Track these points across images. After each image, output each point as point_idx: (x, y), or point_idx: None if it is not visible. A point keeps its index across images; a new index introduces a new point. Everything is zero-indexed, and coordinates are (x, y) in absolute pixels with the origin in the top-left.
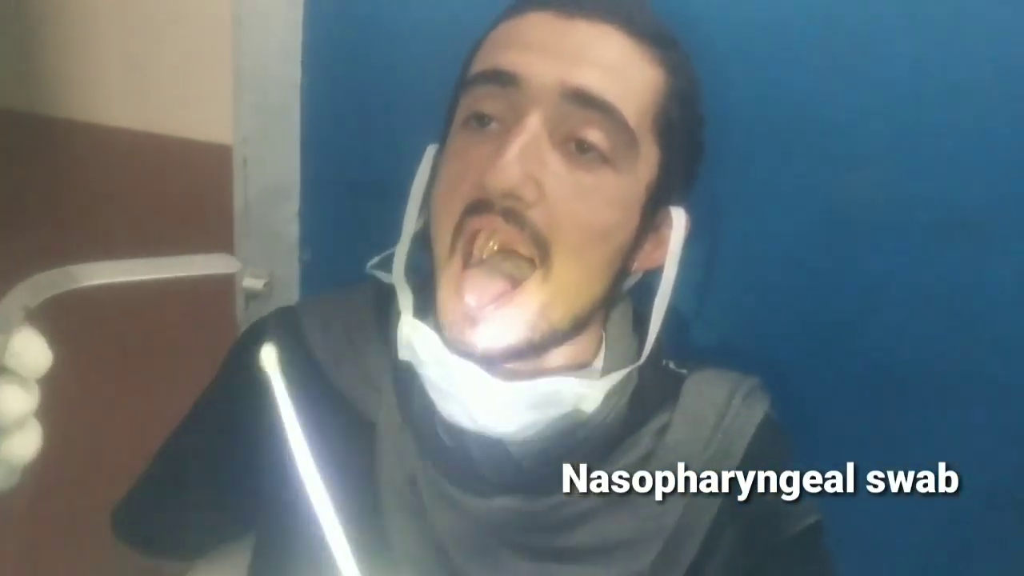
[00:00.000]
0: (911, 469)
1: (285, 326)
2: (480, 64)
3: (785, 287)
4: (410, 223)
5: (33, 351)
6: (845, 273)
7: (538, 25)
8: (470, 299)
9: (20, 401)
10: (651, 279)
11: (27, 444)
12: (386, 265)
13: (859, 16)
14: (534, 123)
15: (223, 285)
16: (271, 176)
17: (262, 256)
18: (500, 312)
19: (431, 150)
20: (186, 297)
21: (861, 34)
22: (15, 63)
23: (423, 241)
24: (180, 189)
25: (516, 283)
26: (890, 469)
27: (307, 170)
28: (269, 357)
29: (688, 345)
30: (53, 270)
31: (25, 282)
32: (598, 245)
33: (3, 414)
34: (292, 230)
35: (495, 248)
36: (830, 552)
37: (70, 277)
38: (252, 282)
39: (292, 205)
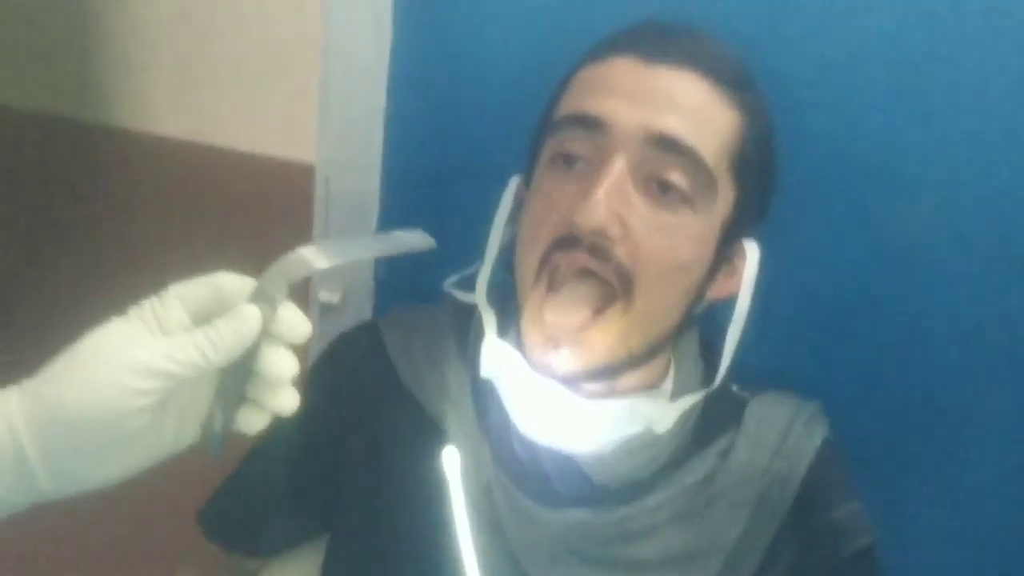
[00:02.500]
0: (961, 499)
1: (368, 340)
2: (567, 107)
3: (842, 315)
4: (493, 249)
5: (299, 321)
6: (902, 302)
7: (623, 71)
8: (553, 325)
9: (288, 362)
10: (716, 304)
11: (291, 400)
12: (462, 284)
13: (919, 50)
14: (619, 165)
15: (298, 298)
16: (352, 196)
17: (338, 271)
18: (582, 337)
19: (515, 180)
20: None
21: (921, 67)
22: (78, 72)
23: (501, 263)
24: (234, 201)
25: (598, 311)
26: (943, 496)
27: (386, 191)
28: (451, 460)
29: (747, 369)
30: (294, 252)
31: (278, 262)
32: (677, 278)
33: (274, 373)
34: None
35: (574, 271)
36: (884, 574)
37: (309, 260)
38: (328, 296)
39: (370, 224)
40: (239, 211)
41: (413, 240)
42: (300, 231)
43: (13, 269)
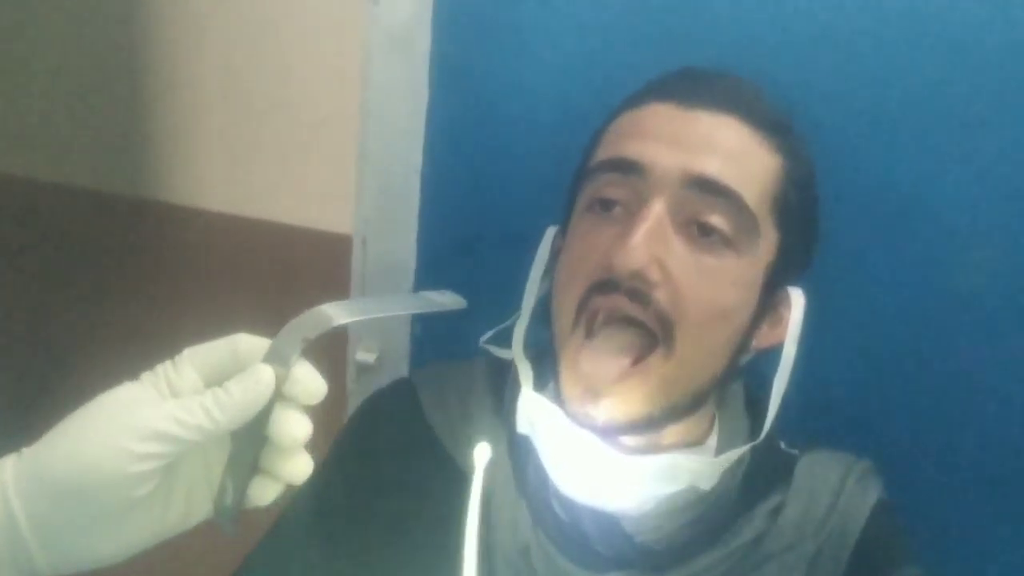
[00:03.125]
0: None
1: (402, 397)
2: (604, 153)
3: (896, 369)
4: (530, 299)
5: (313, 381)
6: (958, 355)
7: (660, 116)
8: (591, 375)
9: (302, 425)
10: (760, 358)
11: (303, 467)
12: (497, 340)
13: (970, 96)
14: (658, 208)
15: (335, 357)
16: (388, 255)
17: (374, 331)
18: (622, 386)
19: (551, 231)
20: None
21: (972, 113)
22: (123, 149)
23: (536, 316)
24: (276, 272)
25: (638, 359)
26: (1001, 560)
27: (423, 250)
28: (482, 453)
29: (795, 424)
30: (311, 310)
31: (294, 320)
32: (719, 325)
33: (286, 437)
34: None
35: (612, 318)
36: None
37: (327, 317)
38: (364, 355)
39: (407, 283)
40: (281, 279)
41: (442, 300)
42: (339, 295)
43: (71, 339)
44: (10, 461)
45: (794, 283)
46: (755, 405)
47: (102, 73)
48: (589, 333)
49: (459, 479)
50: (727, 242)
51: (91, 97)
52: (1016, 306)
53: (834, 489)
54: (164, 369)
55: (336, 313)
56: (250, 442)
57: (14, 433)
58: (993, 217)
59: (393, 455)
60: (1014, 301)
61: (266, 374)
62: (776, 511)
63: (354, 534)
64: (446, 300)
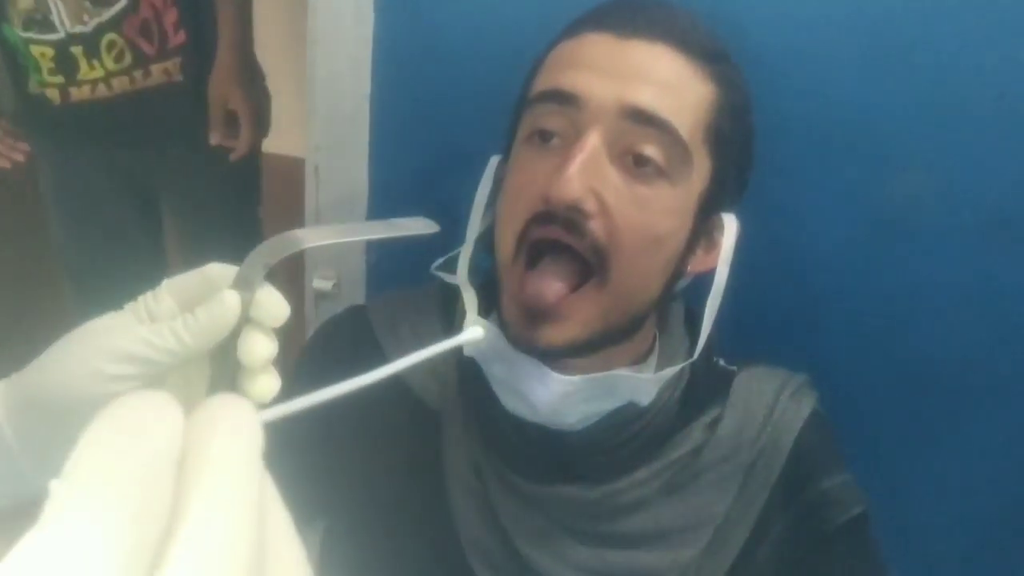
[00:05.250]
0: (954, 469)
1: (356, 323)
2: (542, 83)
3: (832, 288)
4: (473, 229)
5: (275, 303)
6: (890, 274)
7: (596, 46)
8: (532, 300)
9: (266, 346)
10: (702, 279)
11: (270, 386)
12: (449, 266)
13: (903, 20)
14: (594, 139)
15: (294, 286)
16: (341, 183)
17: (331, 259)
18: (560, 313)
19: (494, 161)
20: None
21: (905, 37)
22: None
23: (484, 244)
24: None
25: (575, 287)
26: (933, 468)
27: (375, 177)
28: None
29: (737, 344)
30: (279, 235)
31: (260, 246)
32: (653, 252)
33: (251, 357)
34: None
35: (551, 247)
36: (878, 541)
37: (294, 241)
38: (321, 283)
39: (360, 210)
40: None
41: (413, 225)
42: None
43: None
44: (0, 385)
45: (728, 209)
46: (695, 325)
47: None
48: (529, 263)
49: (411, 402)
50: (660, 172)
51: None
52: (949, 227)
53: (769, 402)
54: (145, 298)
55: (302, 237)
56: (226, 365)
57: None
58: (926, 140)
59: (347, 379)
60: (946, 222)
61: (230, 298)
62: (714, 424)
63: (311, 457)
64: (417, 225)
